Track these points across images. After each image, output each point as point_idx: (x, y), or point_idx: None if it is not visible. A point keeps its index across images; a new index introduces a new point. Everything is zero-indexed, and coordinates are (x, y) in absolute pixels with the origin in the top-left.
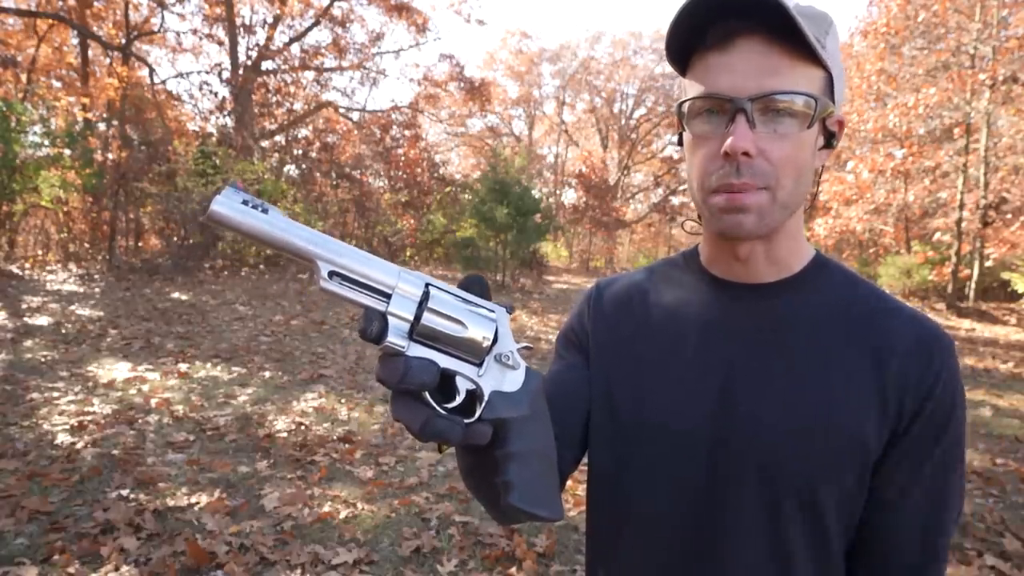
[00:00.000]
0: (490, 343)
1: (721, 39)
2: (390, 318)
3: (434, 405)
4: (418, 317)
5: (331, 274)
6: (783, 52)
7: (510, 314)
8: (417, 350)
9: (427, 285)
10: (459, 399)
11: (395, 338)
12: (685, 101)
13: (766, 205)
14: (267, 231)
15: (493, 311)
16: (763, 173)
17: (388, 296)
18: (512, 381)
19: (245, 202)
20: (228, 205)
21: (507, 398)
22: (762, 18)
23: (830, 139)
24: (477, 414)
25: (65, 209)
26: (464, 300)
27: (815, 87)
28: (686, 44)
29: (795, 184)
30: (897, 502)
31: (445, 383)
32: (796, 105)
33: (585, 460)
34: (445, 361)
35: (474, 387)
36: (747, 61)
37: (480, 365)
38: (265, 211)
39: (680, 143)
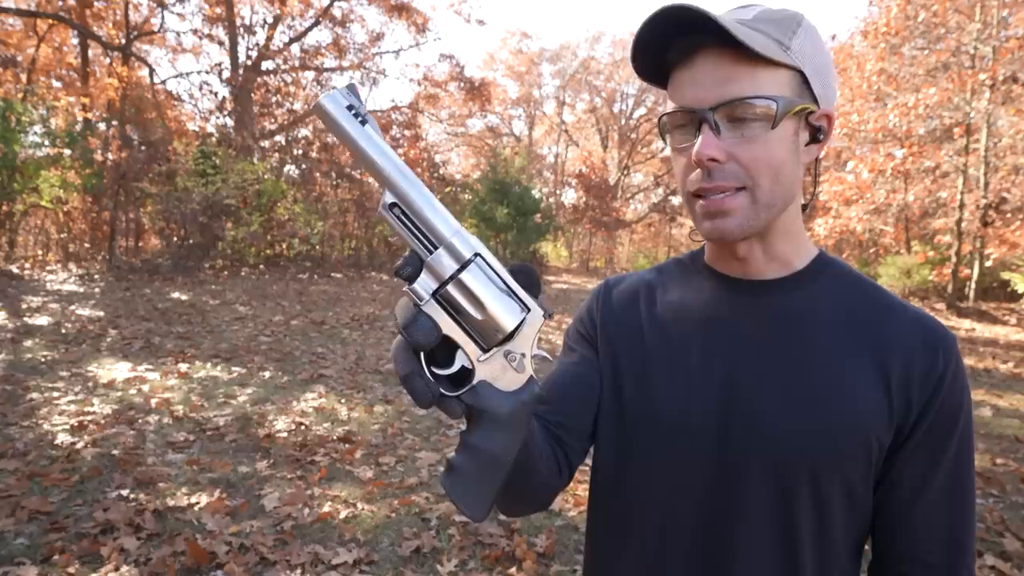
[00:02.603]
0: (504, 337)
1: (681, 55)
2: (424, 269)
3: (422, 364)
4: (446, 283)
5: (392, 205)
6: (740, 60)
7: (547, 318)
8: (433, 308)
9: (476, 255)
10: (451, 370)
11: (420, 288)
12: (661, 117)
13: (747, 206)
14: (355, 139)
15: (529, 309)
16: (735, 175)
17: (435, 248)
18: (510, 382)
19: (350, 107)
20: (335, 103)
21: (495, 394)
22: (712, 32)
23: (816, 134)
24: (457, 392)
25: (65, 209)
26: (506, 286)
27: (782, 88)
28: (651, 65)
29: (773, 182)
30: (916, 500)
31: (450, 349)
32: (758, 108)
33: (588, 461)
34: (454, 331)
35: (470, 367)
36: (706, 73)
37: (486, 351)
38: (364, 122)
39: None
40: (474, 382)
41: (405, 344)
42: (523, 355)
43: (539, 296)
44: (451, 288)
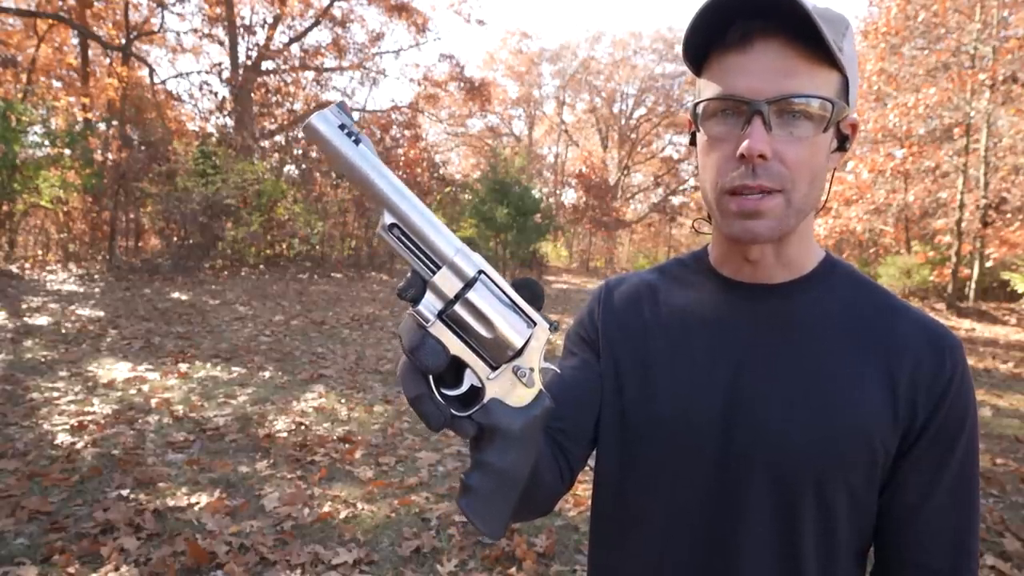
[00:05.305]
0: (513, 354)
1: (740, 39)
2: (428, 290)
3: (431, 387)
4: (452, 303)
5: (392, 226)
6: (801, 54)
7: (552, 332)
8: (440, 329)
9: (480, 272)
10: (461, 390)
11: (425, 310)
12: (701, 102)
13: (781, 210)
14: (350, 160)
15: (535, 323)
16: (778, 175)
17: (438, 267)
18: (519, 397)
19: (342, 126)
20: (326, 123)
21: (505, 411)
22: (783, 20)
23: (843, 142)
24: (469, 412)
25: (65, 209)
26: (511, 301)
27: (832, 90)
28: (704, 42)
29: (809, 187)
30: (921, 505)
31: (457, 367)
32: (812, 108)
33: (590, 461)
34: (462, 351)
35: (479, 386)
36: (765, 63)
37: (495, 369)
38: (357, 142)
39: (692, 143)
40: (485, 400)
41: (413, 367)
42: (532, 369)
43: (541, 308)
44: (458, 308)
